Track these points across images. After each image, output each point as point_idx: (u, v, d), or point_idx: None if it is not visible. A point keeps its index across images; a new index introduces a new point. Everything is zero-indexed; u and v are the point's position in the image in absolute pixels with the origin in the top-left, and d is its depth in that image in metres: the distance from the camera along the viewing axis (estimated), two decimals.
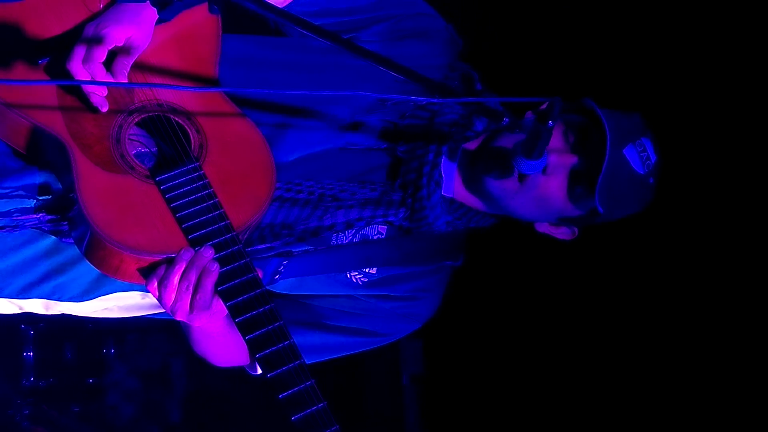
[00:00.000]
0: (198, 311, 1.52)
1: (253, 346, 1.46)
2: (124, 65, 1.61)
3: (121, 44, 1.60)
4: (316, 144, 1.79)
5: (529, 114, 1.76)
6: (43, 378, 3.77)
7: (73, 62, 1.57)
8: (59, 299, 1.76)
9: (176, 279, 1.51)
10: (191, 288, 1.50)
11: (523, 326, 3.10)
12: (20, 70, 1.59)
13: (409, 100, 1.79)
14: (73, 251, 1.64)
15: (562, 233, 1.87)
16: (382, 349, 1.94)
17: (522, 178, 1.73)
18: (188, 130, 1.64)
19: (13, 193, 1.67)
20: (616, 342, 2.82)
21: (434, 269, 1.89)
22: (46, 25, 1.64)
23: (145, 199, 1.55)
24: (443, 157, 1.80)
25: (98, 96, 1.60)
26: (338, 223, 1.77)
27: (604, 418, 2.85)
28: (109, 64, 1.60)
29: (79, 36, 1.60)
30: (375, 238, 1.82)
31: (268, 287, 1.62)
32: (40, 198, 1.67)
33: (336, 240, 1.80)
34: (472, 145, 1.83)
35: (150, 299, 1.71)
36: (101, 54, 1.57)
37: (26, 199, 1.67)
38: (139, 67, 1.66)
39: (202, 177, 1.58)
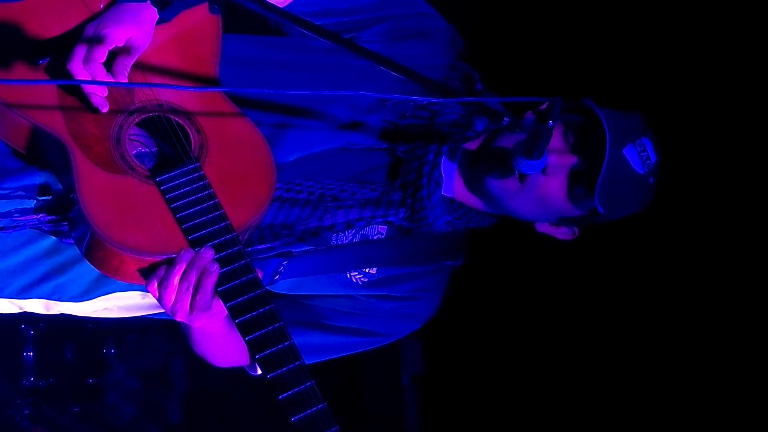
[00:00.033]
0: (198, 312, 1.52)
1: (253, 347, 1.46)
2: (125, 65, 1.61)
3: (121, 44, 1.60)
4: (316, 144, 1.79)
5: (529, 114, 1.76)
6: (43, 378, 3.76)
7: (73, 62, 1.57)
8: (59, 299, 1.76)
9: (176, 280, 1.50)
10: (191, 289, 1.50)
11: (523, 326, 3.10)
12: (20, 70, 1.59)
13: (409, 100, 1.79)
14: (73, 251, 1.64)
15: (562, 233, 1.87)
16: (382, 349, 1.94)
17: (522, 178, 1.73)
18: (188, 131, 1.64)
19: (13, 194, 1.66)
20: (616, 342, 2.82)
21: (434, 269, 1.89)
22: (47, 25, 1.63)
23: (145, 200, 1.55)
24: (443, 157, 1.80)
25: (99, 96, 1.59)
26: (338, 223, 1.77)
27: (604, 417, 2.85)
28: (109, 64, 1.60)
29: (79, 36, 1.60)
30: (375, 238, 1.82)
31: (268, 287, 1.62)
32: (41, 198, 1.67)
33: (336, 240, 1.80)
34: (472, 145, 1.83)
35: (150, 299, 1.71)
36: (102, 54, 1.57)
37: (26, 200, 1.67)
38: (139, 67, 1.66)
39: (203, 177, 1.57)
